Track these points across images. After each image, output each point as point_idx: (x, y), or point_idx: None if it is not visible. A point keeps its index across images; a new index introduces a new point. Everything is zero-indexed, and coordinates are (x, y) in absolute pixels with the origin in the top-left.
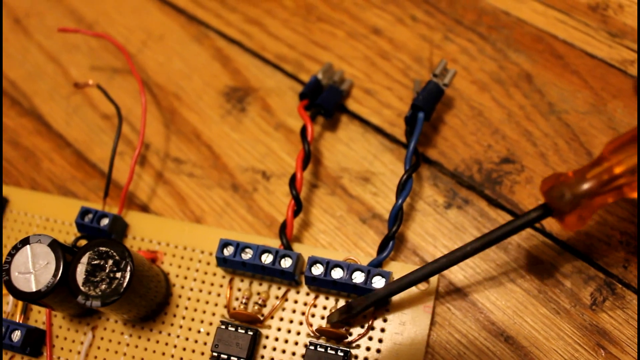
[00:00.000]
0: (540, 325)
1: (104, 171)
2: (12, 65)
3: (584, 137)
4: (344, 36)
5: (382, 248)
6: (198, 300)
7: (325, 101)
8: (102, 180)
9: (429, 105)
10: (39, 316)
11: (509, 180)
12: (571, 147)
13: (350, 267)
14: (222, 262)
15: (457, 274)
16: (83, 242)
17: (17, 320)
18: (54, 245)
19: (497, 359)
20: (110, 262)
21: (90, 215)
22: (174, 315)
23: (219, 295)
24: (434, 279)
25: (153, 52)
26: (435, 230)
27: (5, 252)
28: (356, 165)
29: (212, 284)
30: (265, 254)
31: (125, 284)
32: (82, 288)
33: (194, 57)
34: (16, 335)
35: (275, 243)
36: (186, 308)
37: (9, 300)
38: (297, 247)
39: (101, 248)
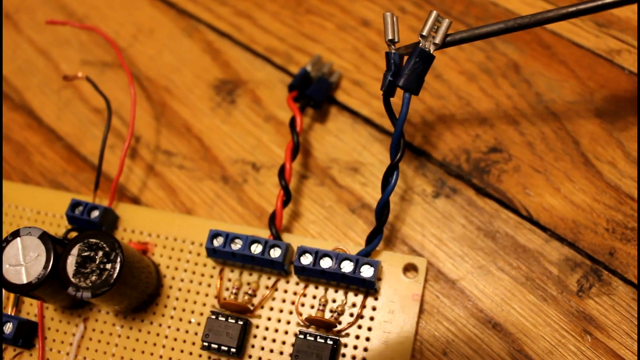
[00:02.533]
0: (527, 312)
1: (96, 164)
2: (3, 60)
3: (570, 126)
4: (333, 28)
5: (370, 239)
6: (189, 291)
7: (314, 93)
8: (94, 173)
9: (412, 79)
10: (30, 308)
11: (496, 170)
12: (558, 135)
13: (339, 257)
14: (211, 252)
15: (446, 262)
16: (74, 234)
17: (9, 313)
18: (44, 237)
19: (486, 346)
20: (101, 253)
21: (81, 208)
22: (165, 306)
23: (209, 285)
24: (422, 268)
25: (143, 46)
26: (423, 219)
27: None
28: (345, 155)
29: (202, 275)
30: (255, 244)
31: (115, 275)
32: (72, 279)
33: (185, 51)
34: (8, 328)
35: (265, 233)
36: (177, 299)
37: None
38: (286, 237)
39: (91, 240)
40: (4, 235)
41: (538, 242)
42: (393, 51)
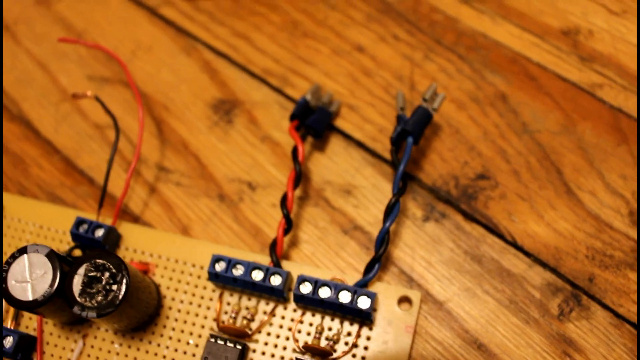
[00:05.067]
0: (511, 334)
1: (93, 178)
2: (2, 71)
3: (554, 156)
4: (328, 52)
5: (368, 269)
6: (188, 313)
7: (315, 123)
8: (91, 187)
9: (418, 130)
10: (29, 322)
11: (483, 196)
12: (542, 165)
13: (337, 287)
14: (213, 277)
15: (434, 285)
16: (77, 252)
17: (9, 326)
18: (51, 255)
19: None
20: (107, 274)
21: (85, 226)
22: (164, 327)
23: (208, 308)
24: (416, 301)
25: (142, 62)
26: (413, 242)
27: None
28: (339, 178)
29: (202, 297)
30: (256, 271)
31: (120, 296)
32: (78, 299)
33: (183, 69)
34: (8, 342)
35: (263, 257)
36: (176, 320)
37: None
38: (285, 264)
39: (98, 260)
40: (10, 250)
41: (522, 266)
42: (401, 114)
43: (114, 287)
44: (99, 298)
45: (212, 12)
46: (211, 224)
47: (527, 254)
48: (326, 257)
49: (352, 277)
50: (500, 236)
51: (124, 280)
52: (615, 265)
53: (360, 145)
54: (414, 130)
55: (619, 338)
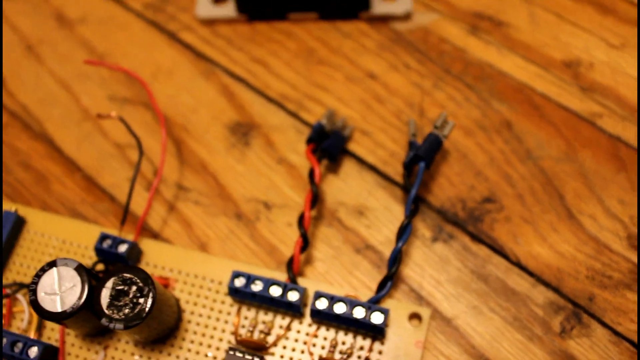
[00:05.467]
0: (515, 350)
1: (114, 195)
2: (25, 90)
3: (556, 181)
4: (342, 79)
5: (381, 287)
6: (206, 326)
7: (331, 147)
8: (112, 204)
9: (429, 155)
10: (52, 333)
11: (489, 218)
12: (545, 190)
13: (352, 303)
14: (233, 292)
15: (443, 302)
16: (100, 266)
17: (32, 337)
18: (80, 269)
19: None
20: (134, 288)
21: (109, 241)
22: (183, 339)
23: (226, 322)
24: (426, 317)
25: (163, 85)
26: (422, 261)
27: (23, 271)
28: (352, 200)
29: (220, 311)
30: (274, 287)
31: (147, 309)
32: (106, 311)
33: (202, 92)
34: (33, 352)
35: (278, 273)
36: (195, 333)
37: (23, 317)
38: (300, 280)
39: (125, 275)
40: (33, 263)
41: (526, 286)
42: (413, 140)
43: (141, 300)
44: (126, 310)
45: (230, 38)
46: (229, 242)
47: (530, 274)
48: (339, 275)
49: (365, 294)
50: (505, 257)
51: (151, 294)
52: (614, 285)
53: (372, 168)
54: (426, 155)
55: (618, 355)
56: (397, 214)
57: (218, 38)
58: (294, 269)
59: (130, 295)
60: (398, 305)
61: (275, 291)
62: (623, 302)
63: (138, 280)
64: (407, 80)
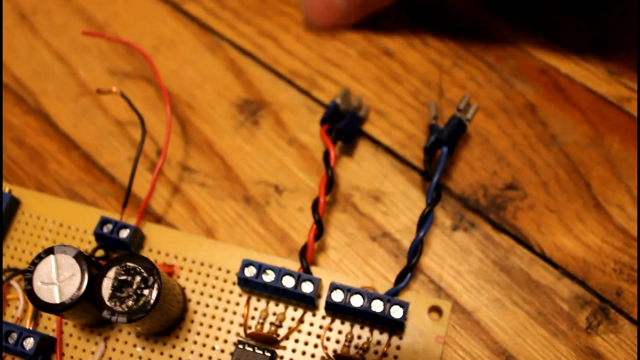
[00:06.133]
0: (539, 346)
1: (114, 176)
2: (18, 61)
3: (582, 168)
4: (356, 55)
5: (400, 278)
6: (213, 317)
7: (346, 128)
8: (111, 185)
9: (452, 140)
10: (48, 323)
11: (512, 206)
12: (571, 177)
13: (370, 296)
14: (243, 282)
15: (463, 295)
16: (100, 252)
17: (27, 327)
18: (80, 257)
19: None
20: (138, 278)
21: (110, 226)
22: (189, 331)
23: (234, 313)
24: (447, 311)
25: (165, 58)
26: (442, 251)
27: (17, 255)
28: (367, 184)
29: (228, 302)
30: (287, 277)
31: (152, 301)
32: (108, 303)
33: (207, 67)
34: (29, 343)
35: (290, 262)
36: (201, 324)
37: (17, 304)
38: (313, 269)
39: (129, 264)
40: (29, 247)
41: (550, 278)
42: (434, 123)
43: (145, 291)
44: (130, 303)
45: (238, 10)
46: (237, 227)
47: (555, 266)
48: (354, 264)
49: (381, 285)
50: (529, 247)
51: (156, 285)
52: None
53: (389, 151)
54: (449, 140)
55: None
56: (415, 199)
57: (224, 10)
58: (307, 258)
59: (134, 287)
60: (417, 298)
61: (288, 282)
62: None
63: (142, 270)
64: (424, 58)
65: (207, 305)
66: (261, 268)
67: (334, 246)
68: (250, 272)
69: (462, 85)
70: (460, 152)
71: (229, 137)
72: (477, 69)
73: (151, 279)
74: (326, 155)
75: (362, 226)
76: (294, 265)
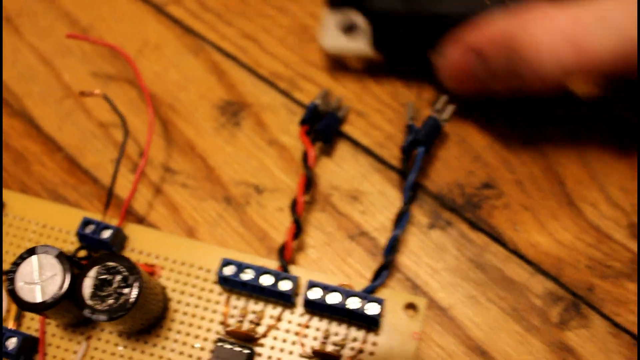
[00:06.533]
0: (513, 342)
1: (97, 177)
2: (2, 64)
3: (557, 167)
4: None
5: (376, 276)
6: (194, 316)
7: (325, 128)
8: (95, 186)
9: (429, 140)
10: (31, 323)
11: (488, 205)
12: (546, 176)
13: (347, 293)
14: (222, 280)
15: (439, 292)
16: (83, 252)
17: (10, 327)
18: (61, 257)
19: None
20: (119, 277)
21: (92, 227)
22: (170, 330)
23: (214, 312)
24: (422, 308)
25: (149, 61)
26: (418, 249)
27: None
28: (346, 184)
29: (208, 301)
30: (266, 276)
31: (132, 300)
32: (89, 302)
33: (190, 69)
34: (12, 343)
35: (269, 261)
36: (182, 323)
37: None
38: (292, 268)
39: (109, 263)
40: (12, 248)
41: (524, 275)
42: (411, 123)
43: (126, 290)
44: (110, 301)
45: (220, 13)
46: (217, 227)
47: (529, 262)
48: (332, 263)
49: (359, 283)
50: (504, 245)
51: (136, 284)
52: (614, 275)
53: (367, 151)
54: (426, 140)
55: (617, 347)
56: (392, 199)
57: (207, 12)
58: (285, 257)
59: (115, 285)
60: (393, 295)
61: (266, 280)
62: (623, 292)
63: (123, 269)
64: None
65: (188, 304)
66: (240, 267)
67: (312, 245)
68: (229, 270)
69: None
70: (438, 152)
71: (210, 138)
72: None
73: (131, 278)
74: (305, 156)
75: (340, 225)
76: (274, 265)
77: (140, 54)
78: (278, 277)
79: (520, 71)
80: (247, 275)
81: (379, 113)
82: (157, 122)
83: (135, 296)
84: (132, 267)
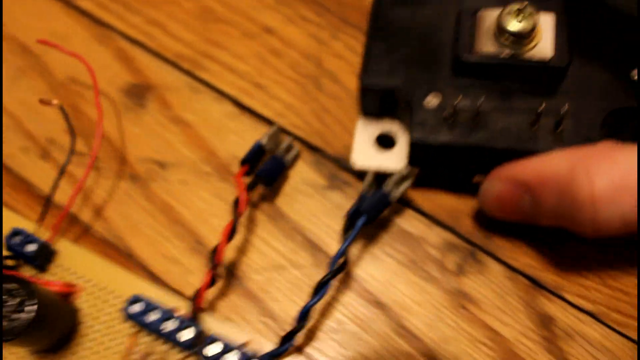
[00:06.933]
0: (411, 292)
1: (10, 167)
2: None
3: None
4: (239, 35)
5: (283, 341)
6: (101, 344)
7: (266, 173)
8: (8, 176)
9: (372, 213)
10: None
11: None
12: None
13: (245, 356)
14: (128, 317)
15: (335, 248)
16: (11, 262)
17: None
18: None
19: (372, 323)
20: (17, 300)
21: (19, 238)
22: (73, 354)
23: (120, 344)
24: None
25: (58, 52)
26: (317, 210)
27: None
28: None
29: (118, 331)
30: (170, 321)
31: (25, 325)
32: None
33: (98, 57)
34: None
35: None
36: (87, 349)
37: None
38: (207, 317)
39: (8, 285)
40: None
41: (421, 228)
42: (364, 194)
43: (22, 315)
44: (5, 323)
45: (127, 2)
46: (124, 204)
47: (426, 215)
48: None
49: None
50: (401, 200)
51: (33, 308)
52: (510, 222)
53: (268, 122)
54: (368, 212)
55: (514, 290)
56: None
57: (115, 3)
58: (197, 304)
59: (10, 309)
60: None
61: (169, 325)
62: (518, 238)
63: (20, 292)
64: (304, 33)
65: (98, 331)
66: (148, 306)
67: (214, 214)
68: (136, 308)
69: (340, 55)
70: (336, 116)
71: (117, 121)
72: (354, 38)
73: (28, 302)
74: (236, 201)
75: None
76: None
77: (49, 46)
78: (182, 325)
79: (573, 217)
80: (152, 317)
81: (279, 85)
82: (67, 110)
83: (28, 321)
84: (32, 292)
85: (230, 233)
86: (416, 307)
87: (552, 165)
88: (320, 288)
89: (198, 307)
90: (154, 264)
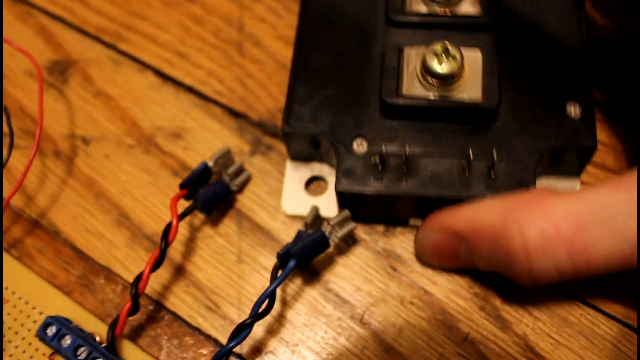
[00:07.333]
0: (337, 255)
1: None
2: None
3: None
4: (160, 5)
5: (237, 332)
6: None
7: (207, 201)
8: None
9: (304, 257)
10: None
11: None
12: None
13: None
14: (41, 339)
15: (261, 214)
16: None
17: None
18: None
19: (299, 289)
20: None
21: None
22: None
23: None
24: None
25: None
26: None
27: None
28: (169, 124)
29: (36, 349)
30: (82, 349)
31: None
32: None
33: (18, 35)
34: None
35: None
36: None
37: None
38: (126, 346)
39: None
40: None
41: None
42: (302, 231)
43: None
44: None
45: None
46: (48, 182)
47: None
48: (158, 200)
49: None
50: None
51: None
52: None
53: (190, 90)
54: (299, 256)
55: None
56: (214, 131)
57: None
58: (115, 333)
59: None
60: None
61: (80, 353)
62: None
63: None
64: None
65: (16, 347)
66: (60, 331)
67: (137, 185)
68: (49, 331)
69: (261, 18)
70: (259, 80)
71: (39, 98)
72: (276, 0)
73: None
74: (167, 228)
75: (164, 164)
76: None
77: None
78: (91, 354)
79: (509, 267)
80: (63, 343)
81: (201, 52)
82: None
83: None
84: None
85: (156, 262)
86: (344, 270)
87: (483, 216)
88: (240, 331)
89: (115, 335)
90: (79, 240)
